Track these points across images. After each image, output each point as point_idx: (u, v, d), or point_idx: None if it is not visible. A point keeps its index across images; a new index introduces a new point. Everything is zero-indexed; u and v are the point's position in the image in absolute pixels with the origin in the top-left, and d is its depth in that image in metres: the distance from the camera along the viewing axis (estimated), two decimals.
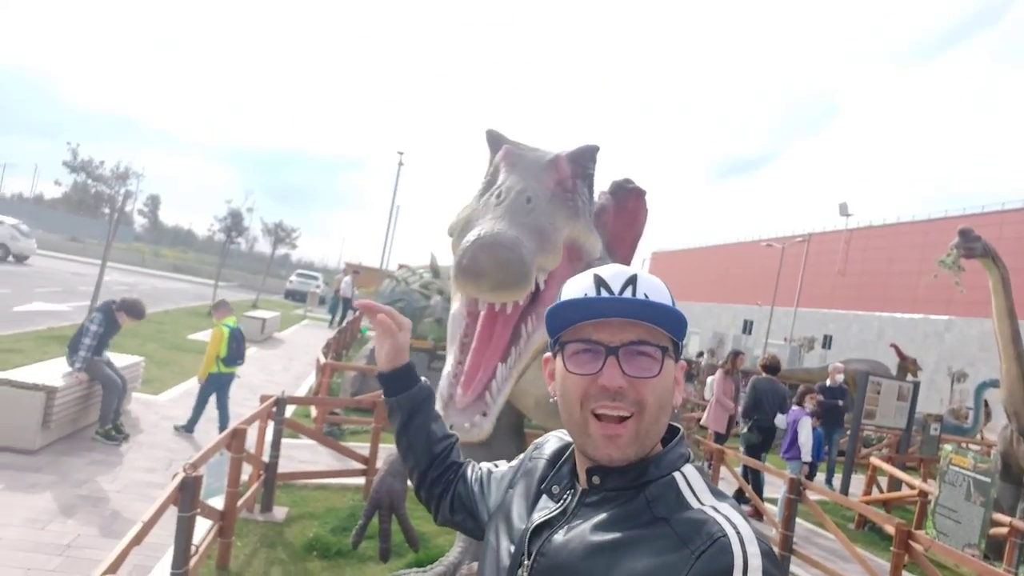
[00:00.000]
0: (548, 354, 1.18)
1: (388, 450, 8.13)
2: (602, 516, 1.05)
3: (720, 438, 9.82)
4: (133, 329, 10.46)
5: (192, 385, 10.50)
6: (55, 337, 11.68)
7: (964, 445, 15.40)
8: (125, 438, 7.23)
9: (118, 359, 8.06)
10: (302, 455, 7.59)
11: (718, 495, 1.06)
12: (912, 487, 8.27)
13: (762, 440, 8.97)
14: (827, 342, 40.22)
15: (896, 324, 36.63)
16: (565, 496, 1.14)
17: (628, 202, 4.01)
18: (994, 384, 14.98)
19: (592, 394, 1.05)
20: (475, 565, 3.55)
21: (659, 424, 1.07)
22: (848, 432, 11.20)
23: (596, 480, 1.09)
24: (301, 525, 5.78)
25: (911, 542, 5.53)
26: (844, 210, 42.47)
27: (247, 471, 5.73)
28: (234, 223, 21.15)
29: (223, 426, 7.54)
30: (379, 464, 6.88)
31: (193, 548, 3.62)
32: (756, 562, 0.93)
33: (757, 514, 7.76)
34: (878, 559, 7.58)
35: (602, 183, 3.98)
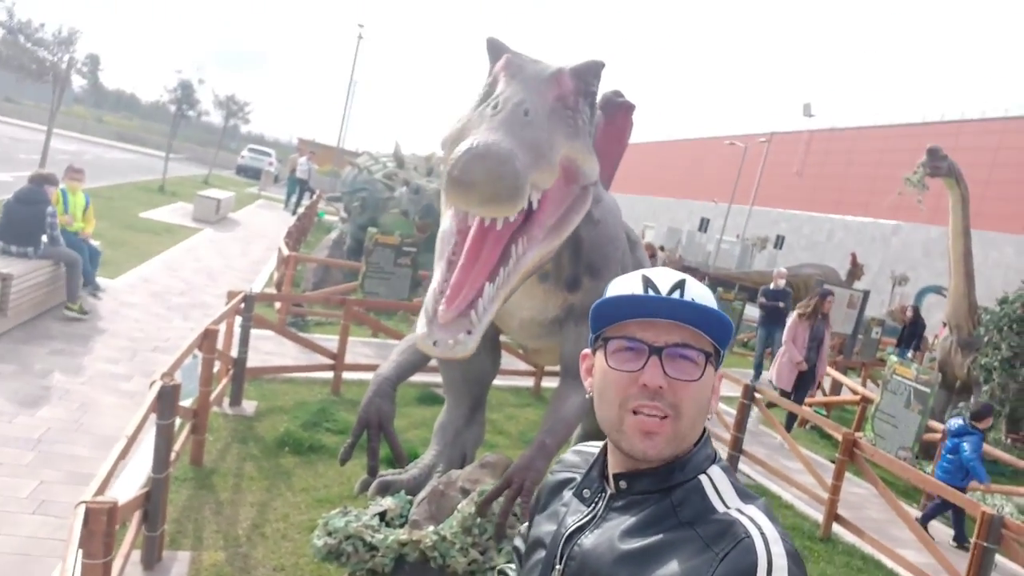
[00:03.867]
0: (587, 350, 1.18)
1: (356, 345, 8.26)
2: (629, 521, 1.07)
3: (785, 396, 8.24)
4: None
5: (150, 271, 10.26)
6: None
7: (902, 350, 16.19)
8: (86, 314, 7.39)
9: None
10: (267, 346, 7.57)
11: (744, 496, 1.07)
12: (855, 393, 8.71)
13: None
14: (779, 242, 40.97)
15: (847, 226, 37.43)
16: (595, 500, 1.16)
17: (617, 117, 3.87)
18: (935, 290, 15.64)
19: (632, 393, 1.05)
20: (453, 472, 3.64)
21: (696, 429, 1.09)
22: None
23: (623, 484, 1.11)
24: (271, 420, 5.83)
25: (855, 449, 5.92)
26: (807, 111, 42.35)
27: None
28: (184, 95, 20.04)
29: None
30: (348, 359, 6.97)
31: (173, 454, 3.64)
32: (781, 562, 0.95)
33: None
34: (817, 456, 8.09)
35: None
